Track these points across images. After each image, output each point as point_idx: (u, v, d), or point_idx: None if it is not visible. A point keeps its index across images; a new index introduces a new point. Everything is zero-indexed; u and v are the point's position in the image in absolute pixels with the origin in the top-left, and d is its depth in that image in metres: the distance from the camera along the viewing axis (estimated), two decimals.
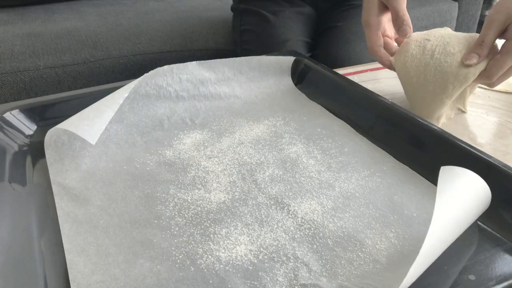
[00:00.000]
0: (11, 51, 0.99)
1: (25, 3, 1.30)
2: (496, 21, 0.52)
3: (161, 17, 1.23)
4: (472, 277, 0.36)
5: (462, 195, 0.38)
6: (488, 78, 0.53)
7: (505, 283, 0.36)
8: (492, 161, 0.45)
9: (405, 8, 0.59)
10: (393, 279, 0.34)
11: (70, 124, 0.50)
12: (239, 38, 1.08)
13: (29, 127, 0.56)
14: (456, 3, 1.46)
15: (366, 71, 0.76)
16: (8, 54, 0.98)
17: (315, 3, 1.05)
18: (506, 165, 0.44)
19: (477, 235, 0.41)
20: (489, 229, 0.42)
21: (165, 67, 0.59)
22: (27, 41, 1.04)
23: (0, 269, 0.36)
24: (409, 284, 0.32)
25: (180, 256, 0.38)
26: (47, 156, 0.50)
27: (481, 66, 0.55)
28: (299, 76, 0.69)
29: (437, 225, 0.34)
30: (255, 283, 0.36)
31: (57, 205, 0.43)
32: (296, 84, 0.69)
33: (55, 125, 0.50)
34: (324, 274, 0.37)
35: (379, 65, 0.80)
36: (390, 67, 0.61)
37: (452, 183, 0.38)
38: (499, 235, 0.41)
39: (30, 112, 0.57)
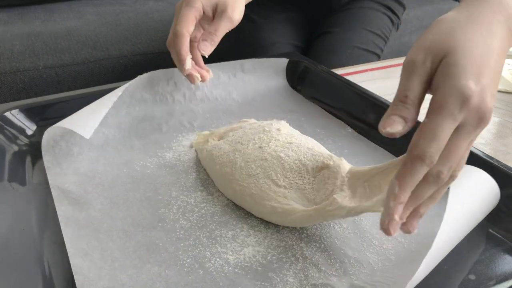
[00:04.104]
0: (11, 51, 0.99)
1: (25, 3, 1.30)
2: (417, 62, 0.34)
3: (161, 17, 1.22)
4: (472, 277, 0.36)
5: (473, 193, 0.39)
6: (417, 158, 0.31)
7: (505, 283, 0.36)
8: (492, 161, 0.45)
9: (223, 31, 0.53)
10: (403, 276, 0.34)
11: (65, 123, 0.50)
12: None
13: (29, 127, 0.56)
14: (457, 3, 1.46)
15: (364, 71, 0.76)
16: (7, 54, 0.97)
17: (307, 8, 1.04)
18: (506, 165, 0.44)
19: (477, 235, 0.41)
20: (490, 229, 0.42)
21: (160, 71, 0.59)
22: (27, 41, 1.03)
23: (0, 268, 0.36)
24: (420, 279, 0.32)
25: (188, 260, 0.38)
26: (44, 161, 0.49)
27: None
28: (298, 77, 0.69)
29: (450, 220, 0.34)
30: (266, 284, 0.36)
31: (57, 209, 0.42)
32: (294, 85, 0.69)
33: None
34: (334, 273, 0.37)
35: (377, 65, 0.80)
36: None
37: (465, 181, 0.38)
38: (499, 235, 0.41)
39: (30, 112, 0.57)
